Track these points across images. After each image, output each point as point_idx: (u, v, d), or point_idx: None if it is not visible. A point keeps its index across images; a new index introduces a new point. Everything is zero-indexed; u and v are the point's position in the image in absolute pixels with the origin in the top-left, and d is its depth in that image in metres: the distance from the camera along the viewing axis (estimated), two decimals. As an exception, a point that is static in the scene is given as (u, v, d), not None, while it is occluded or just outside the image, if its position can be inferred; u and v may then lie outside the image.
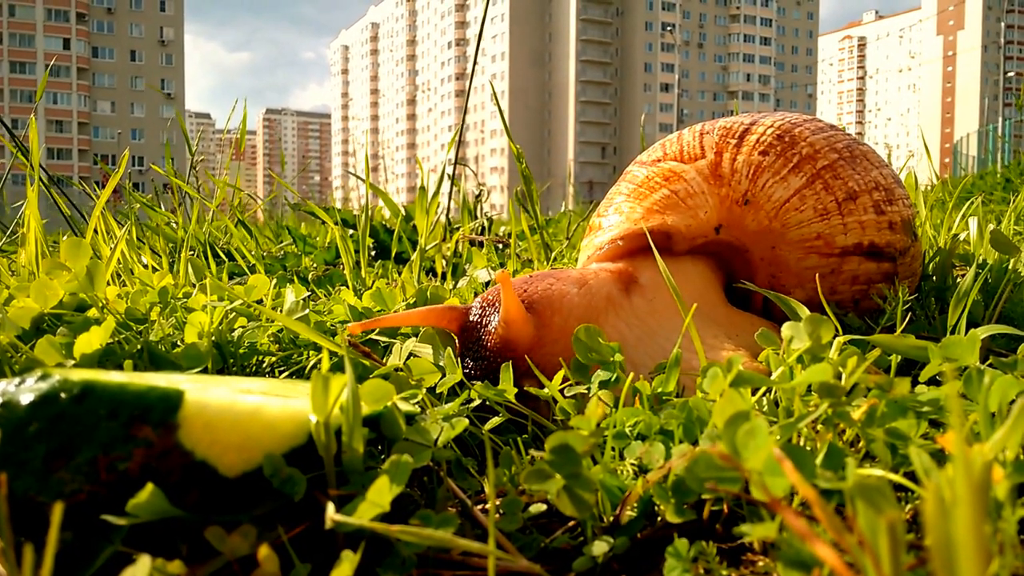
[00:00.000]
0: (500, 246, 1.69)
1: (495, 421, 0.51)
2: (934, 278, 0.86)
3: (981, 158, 14.11)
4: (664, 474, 0.38)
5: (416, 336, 0.68)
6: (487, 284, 1.09)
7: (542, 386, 0.54)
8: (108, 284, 0.80)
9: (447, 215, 1.51)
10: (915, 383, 0.49)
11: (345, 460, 0.39)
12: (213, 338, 0.67)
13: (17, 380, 0.38)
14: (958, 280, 0.85)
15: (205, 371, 0.64)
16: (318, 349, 0.71)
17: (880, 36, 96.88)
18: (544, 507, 0.41)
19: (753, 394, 0.47)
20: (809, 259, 0.71)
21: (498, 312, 0.59)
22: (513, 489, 0.42)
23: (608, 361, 0.52)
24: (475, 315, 0.61)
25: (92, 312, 0.76)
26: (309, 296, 0.97)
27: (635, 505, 0.39)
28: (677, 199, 0.72)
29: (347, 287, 1.09)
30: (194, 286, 1.01)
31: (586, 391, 0.51)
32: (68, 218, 1.41)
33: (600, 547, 0.36)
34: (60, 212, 1.38)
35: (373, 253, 1.67)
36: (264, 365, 0.71)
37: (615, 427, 0.45)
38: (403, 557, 0.36)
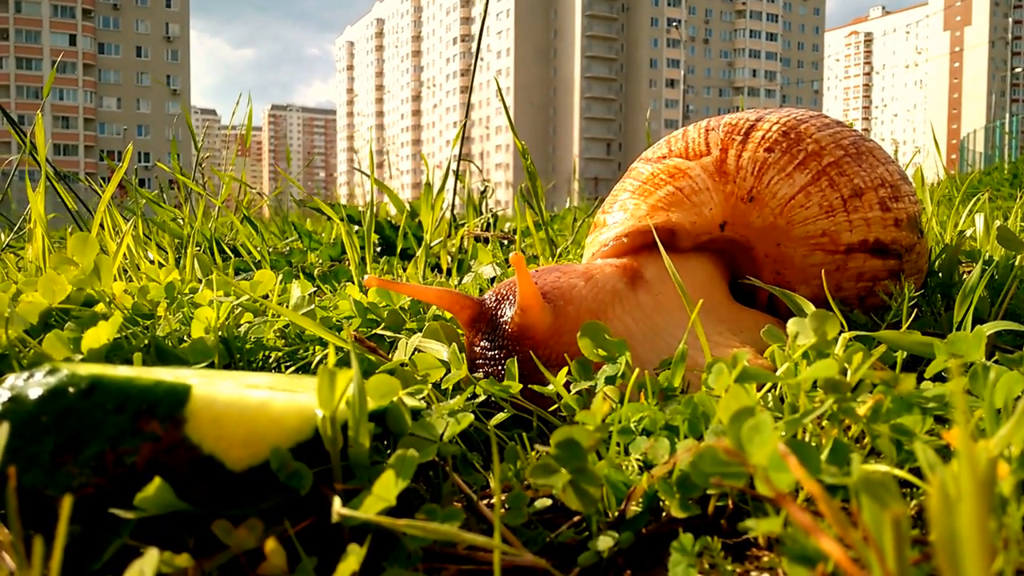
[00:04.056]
0: (505, 242, 1.69)
1: (500, 416, 0.51)
2: (940, 274, 0.86)
3: (988, 154, 14.05)
4: (669, 469, 0.38)
5: (421, 332, 0.68)
6: (492, 280, 1.09)
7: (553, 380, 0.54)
8: (115, 280, 0.81)
9: (452, 211, 1.52)
10: (920, 379, 0.49)
11: (351, 455, 0.39)
12: (220, 333, 0.67)
13: (25, 375, 0.38)
14: (964, 276, 0.85)
15: (212, 366, 0.65)
16: (324, 344, 0.72)
17: (887, 32, 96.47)
18: (549, 502, 0.41)
19: (758, 390, 0.47)
20: (814, 256, 0.71)
21: (513, 303, 0.59)
22: (518, 484, 0.42)
23: (614, 357, 0.52)
24: (490, 304, 0.61)
25: (99, 307, 0.76)
26: (315, 292, 0.97)
27: (640, 500, 0.39)
28: (682, 196, 0.72)
29: (352, 283, 1.09)
30: (200, 282, 1.01)
31: (592, 387, 0.52)
32: (74, 213, 1.41)
33: (605, 542, 0.36)
34: (66, 208, 1.38)
35: (378, 249, 1.67)
36: (270, 360, 0.72)
37: (620, 422, 0.45)
38: (409, 551, 0.36)
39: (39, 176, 1.09)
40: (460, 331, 0.66)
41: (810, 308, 0.56)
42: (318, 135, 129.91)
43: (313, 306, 0.75)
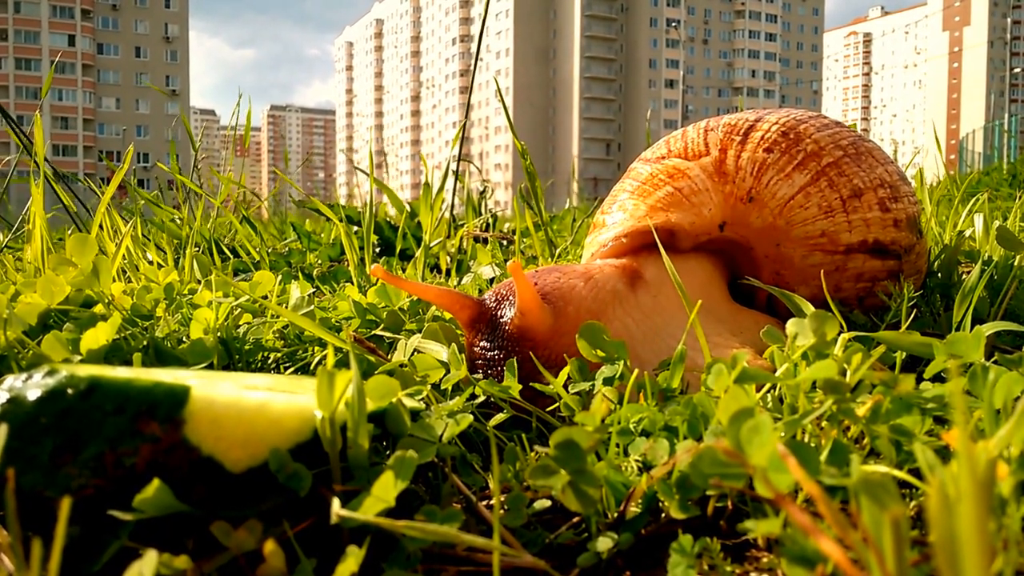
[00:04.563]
0: (504, 243, 1.69)
1: (500, 417, 0.51)
2: (939, 275, 0.86)
3: (987, 154, 14.05)
4: (668, 470, 0.38)
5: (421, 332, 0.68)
6: (492, 281, 1.09)
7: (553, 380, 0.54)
8: (114, 280, 0.81)
9: (451, 212, 1.52)
10: (920, 380, 0.49)
11: (350, 456, 0.39)
12: (219, 334, 0.67)
13: (24, 376, 0.38)
14: (963, 277, 0.85)
15: (211, 367, 0.65)
16: (323, 345, 0.72)
17: (886, 32, 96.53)
18: (548, 503, 0.41)
19: (757, 391, 0.47)
20: (813, 256, 0.71)
21: (513, 303, 0.59)
22: (518, 485, 0.42)
23: (613, 358, 0.52)
24: (490, 304, 0.61)
25: (98, 308, 0.76)
26: (314, 292, 0.97)
27: (639, 501, 0.39)
28: (681, 196, 0.72)
29: (352, 283, 1.09)
30: (199, 282, 1.01)
31: (591, 388, 0.52)
32: (73, 214, 1.41)
33: (604, 543, 0.36)
34: (66, 210, 1.38)
35: (377, 250, 1.67)
36: (269, 361, 0.72)
37: (620, 423, 0.45)
38: (408, 552, 0.36)
39: (38, 176, 1.09)
40: (459, 332, 0.66)
41: (809, 309, 0.56)
42: (317, 135, 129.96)
43: (312, 307, 0.75)
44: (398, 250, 1.45)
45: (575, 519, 0.41)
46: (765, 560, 0.37)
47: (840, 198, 0.71)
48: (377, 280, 1.04)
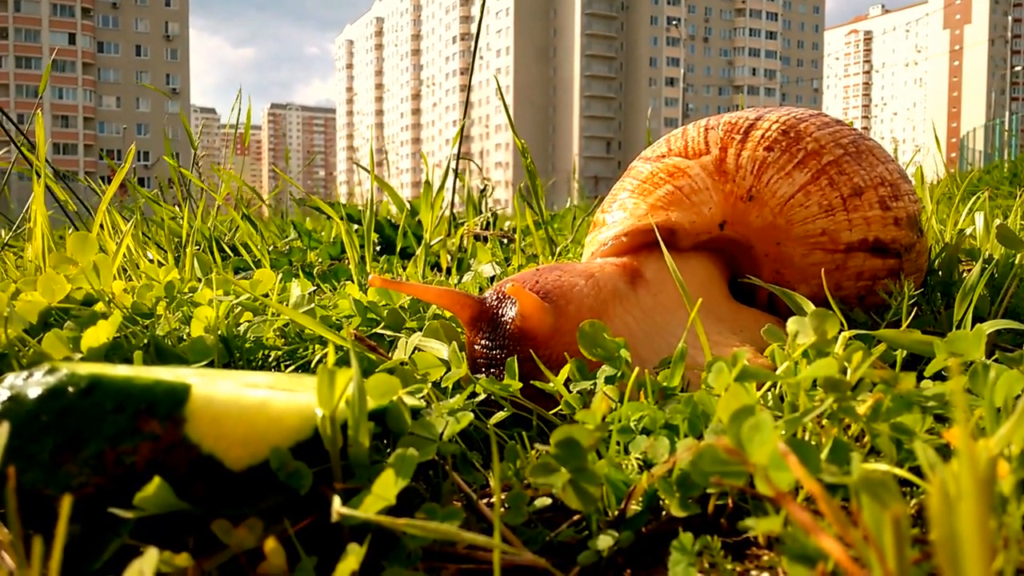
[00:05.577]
0: (505, 241, 1.69)
1: (500, 415, 0.51)
2: (940, 273, 0.85)
3: (988, 152, 14.05)
4: (669, 468, 0.38)
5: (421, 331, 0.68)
6: (492, 279, 1.09)
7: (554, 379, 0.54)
8: (114, 279, 0.81)
9: (452, 210, 1.51)
10: (920, 378, 0.49)
11: (351, 454, 0.39)
12: (219, 332, 0.67)
13: (25, 374, 0.38)
14: (964, 275, 0.85)
15: (211, 365, 0.65)
16: (324, 343, 0.72)
17: (886, 30, 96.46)
18: (549, 501, 0.41)
19: (758, 389, 0.47)
20: (814, 255, 0.71)
21: (514, 302, 0.59)
22: (518, 483, 0.42)
23: (614, 356, 0.52)
24: (491, 303, 0.61)
25: (99, 306, 0.76)
26: (314, 291, 0.97)
27: (640, 499, 0.39)
28: (681, 195, 0.72)
29: (352, 282, 1.09)
30: (200, 280, 1.01)
31: (592, 386, 0.52)
32: (71, 214, 1.41)
33: (605, 541, 0.36)
34: (62, 209, 1.38)
35: (378, 248, 1.67)
36: (270, 359, 0.72)
37: (620, 421, 0.45)
38: (409, 550, 0.36)
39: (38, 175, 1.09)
40: (460, 330, 0.66)
41: (810, 307, 0.56)
42: (317, 134, 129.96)
43: (313, 305, 0.75)
44: (399, 248, 1.45)
45: (576, 517, 0.41)
46: (766, 558, 0.37)
47: (840, 196, 0.71)
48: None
